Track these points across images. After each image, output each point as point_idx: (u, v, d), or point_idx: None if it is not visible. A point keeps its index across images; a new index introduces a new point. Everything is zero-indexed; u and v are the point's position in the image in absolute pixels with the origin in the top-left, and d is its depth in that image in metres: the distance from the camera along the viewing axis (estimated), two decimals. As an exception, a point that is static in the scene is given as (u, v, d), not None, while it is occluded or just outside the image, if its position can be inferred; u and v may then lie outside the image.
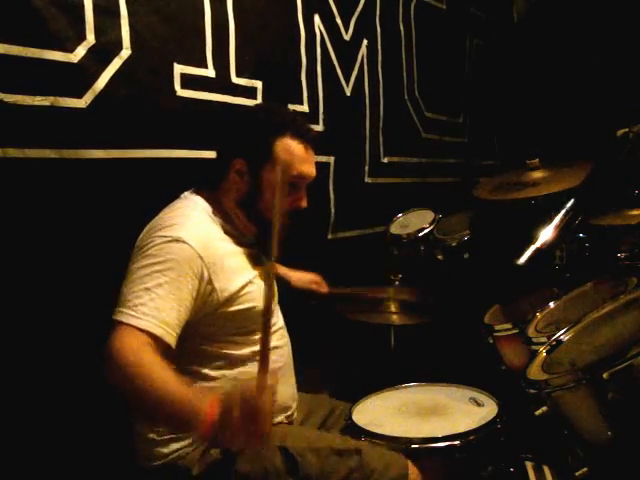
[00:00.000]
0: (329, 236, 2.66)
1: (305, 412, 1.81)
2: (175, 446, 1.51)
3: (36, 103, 1.57)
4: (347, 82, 2.75)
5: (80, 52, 1.67)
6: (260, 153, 1.62)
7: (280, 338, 1.71)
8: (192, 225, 1.51)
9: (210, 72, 2.06)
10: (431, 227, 2.63)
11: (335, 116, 2.64)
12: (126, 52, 1.78)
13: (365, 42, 2.86)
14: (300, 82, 2.49)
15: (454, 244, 2.51)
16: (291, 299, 1.94)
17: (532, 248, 1.63)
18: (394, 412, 1.82)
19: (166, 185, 1.72)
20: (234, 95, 2.12)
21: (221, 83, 2.10)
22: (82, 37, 1.68)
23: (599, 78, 3.67)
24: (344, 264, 2.62)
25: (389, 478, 1.48)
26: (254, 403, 1.13)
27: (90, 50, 1.69)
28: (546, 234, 1.65)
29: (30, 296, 1.59)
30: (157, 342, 1.33)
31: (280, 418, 1.66)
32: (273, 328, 1.68)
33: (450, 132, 3.60)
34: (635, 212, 2.32)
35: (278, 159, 1.61)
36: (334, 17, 2.66)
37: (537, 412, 1.54)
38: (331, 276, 2.22)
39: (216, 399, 1.16)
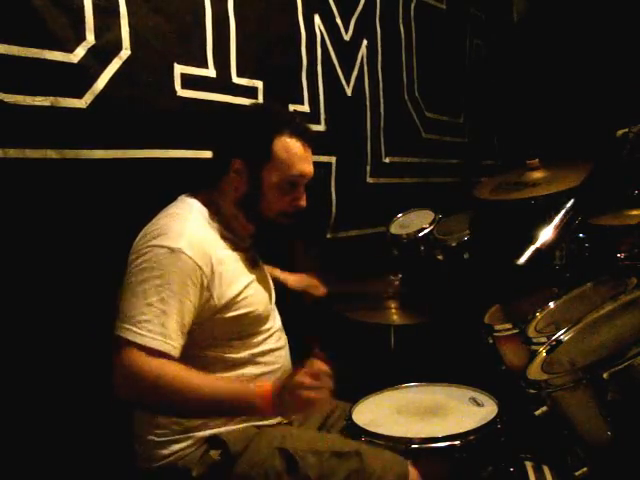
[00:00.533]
0: (328, 236, 2.66)
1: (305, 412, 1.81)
2: (175, 447, 1.51)
3: (36, 103, 1.58)
4: (347, 82, 2.75)
5: (80, 52, 1.67)
6: (259, 152, 1.62)
7: (277, 340, 1.71)
8: (189, 233, 1.50)
9: (211, 72, 2.07)
10: (431, 227, 2.63)
11: (336, 116, 2.64)
12: (126, 52, 1.78)
13: (365, 42, 2.86)
14: (301, 82, 2.49)
15: (454, 244, 2.51)
16: (289, 300, 1.94)
17: (532, 248, 1.63)
18: (394, 412, 1.82)
19: (166, 185, 1.73)
20: (235, 95, 2.12)
21: (222, 83, 2.10)
22: (82, 37, 1.68)
23: (599, 78, 3.67)
24: (343, 264, 2.62)
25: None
26: (306, 378, 1.38)
27: (90, 50, 1.69)
28: (546, 234, 1.64)
29: (30, 296, 1.59)
30: (164, 356, 1.37)
31: (279, 418, 1.66)
32: (270, 331, 1.69)
33: (450, 132, 3.60)
34: (635, 212, 2.32)
35: (277, 158, 1.61)
36: (334, 17, 2.66)
37: (537, 412, 1.54)
38: (330, 276, 2.22)
39: (264, 384, 1.42)
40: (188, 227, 1.52)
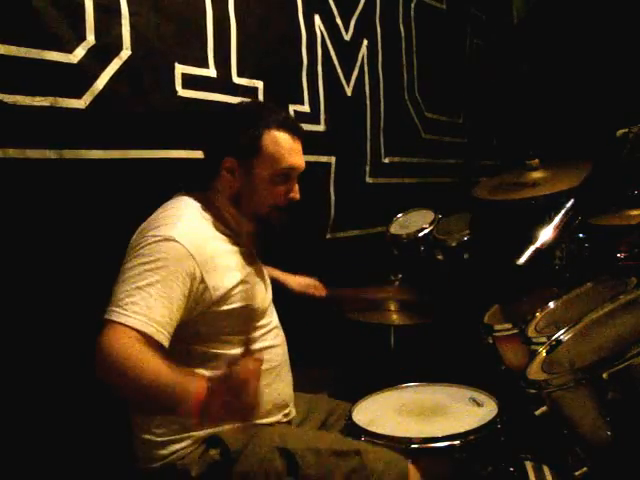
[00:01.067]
0: (327, 236, 2.66)
1: (304, 412, 1.81)
2: (174, 447, 1.51)
3: (36, 103, 1.58)
4: (348, 82, 2.75)
5: (80, 52, 1.67)
6: (248, 149, 1.63)
7: (275, 337, 1.71)
8: (184, 224, 1.51)
9: (211, 72, 2.07)
10: (431, 227, 2.63)
11: (336, 116, 2.64)
12: (126, 52, 1.78)
13: (365, 42, 2.86)
14: (301, 82, 2.49)
15: (454, 244, 2.51)
16: (289, 300, 1.94)
17: (532, 248, 1.63)
18: (394, 412, 1.82)
19: (166, 186, 1.72)
20: (235, 95, 2.12)
21: (222, 83, 2.10)
22: (82, 37, 1.68)
23: (599, 78, 3.67)
24: (343, 264, 2.62)
25: (389, 479, 1.48)
26: (239, 380, 1.20)
27: (90, 50, 1.69)
28: (546, 234, 1.64)
29: (30, 296, 1.59)
30: (148, 340, 1.34)
31: (278, 417, 1.66)
32: (268, 327, 1.69)
33: (450, 132, 3.60)
34: (635, 212, 2.32)
35: (266, 152, 1.62)
36: (334, 17, 2.66)
37: (537, 412, 1.54)
38: (330, 276, 2.22)
39: (204, 378, 1.25)
40: (183, 220, 1.52)
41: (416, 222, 2.72)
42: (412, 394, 1.95)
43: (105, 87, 1.73)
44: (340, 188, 2.69)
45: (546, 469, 1.66)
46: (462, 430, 1.62)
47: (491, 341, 2.01)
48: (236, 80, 2.16)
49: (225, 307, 1.54)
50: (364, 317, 2.27)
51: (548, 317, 1.87)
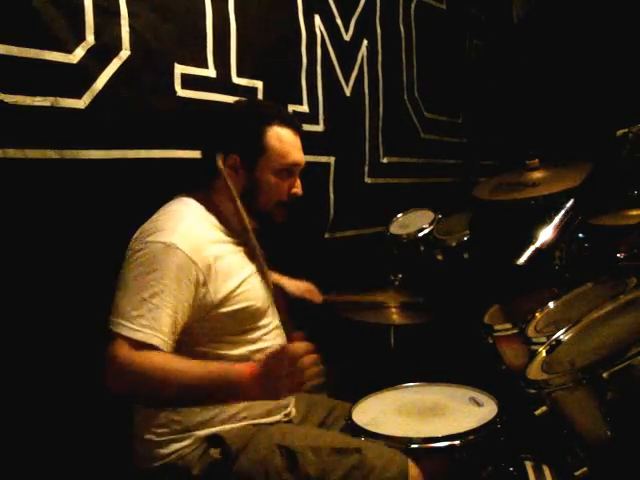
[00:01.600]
0: (326, 236, 2.66)
1: (304, 412, 1.81)
2: (175, 446, 1.51)
3: (36, 103, 1.58)
4: (347, 82, 2.75)
5: (79, 53, 1.67)
6: (253, 145, 1.64)
7: (275, 337, 1.71)
8: (184, 229, 1.51)
9: (211, 72, 2.07)
10: (431, 227, 2.63)
11: (335, 116, 2.64)
12: (125, 52, 1.78)
13: (365, 42, 2.86)
14: (300, 82, 2.49)
15: (454, 244, 2.51)
16: (289, 301, 1.95)
17: (532, 248, 1.63)
18: (394, 412, 1.82)
19: (166, 185, 1.72)
20: (235, 95, 2.12)
21: (222, 83, 2.10)
22: (82, 38, 1.68)
23: (599, 78, 3.67)
24: (342, 264, 2.62)
25: (389, 476, 1.48)
26: (287, 356, 1.31)
27: (89, 51, 1.69)
28: (546, 234, 1.64)
29: (30, 295, 1.59)
30: (156, 350, 1.38)
31: (279, 417, 1.66)
32: (269, 327, 1.69)
33: (449, 132, 3.60)
34: (635, 212, 2.32)
35: (271, 149, 1.64)
36: (334, 17, 2.66)
37: (537, 412, 1.54)
38: (328, 276, 2.22)
39: (249, 363, 1.37)
40: (183, 223, 1.52)
41: (416, 222, 2.72)
42: (412, 394, 1.95)
43: (105, 87, 1.73)
44: (339, 188, 2.69)
45: (546, 469, 1.66)
46: (462, 430, 1.62)
47: (491, 341, 2.01)
48: (235, 80, 2.16)
49: (227, 309, 1.54)
50: (364, 317, 2.27)
51: (548, 317, 1.87)
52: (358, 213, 2.82)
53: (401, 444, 1.61)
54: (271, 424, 1.63)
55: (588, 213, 2.28)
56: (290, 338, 1.43)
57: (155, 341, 1.37)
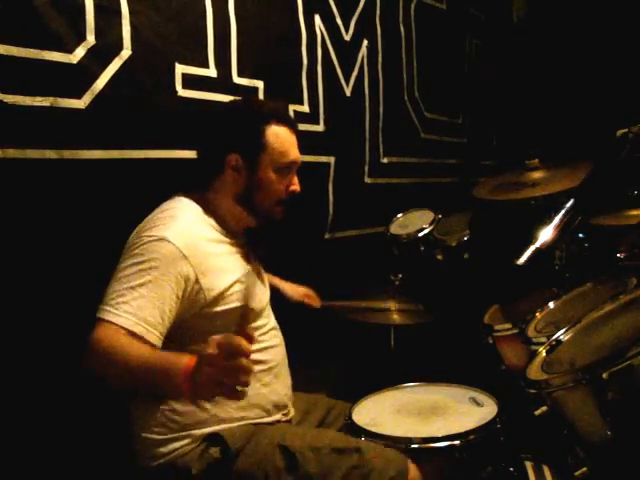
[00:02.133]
0: (326, 236, 2.66)
1: (303, 411, 1.81)
2: (174, 445, 1.51)
3: (36, 103, 1.58)
4: (347, 82, 2.75)
5: (80, 53, 1.67)
6: (253, 144, 1.65)
7: (272, 338, 1.71)
8: (179, 225, 1.52)
9: (212, 72, 2.07)
10: (431, 227, 2.63)
11: (335, 116, 2.64)
12: (126, 52, 1.78)
13: (365, 42, 2.86)
14: (300, 82, 2.49)
15: (454, 244, 2.51)
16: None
17: (532, 248, 1.63)
18: (394, 412, 1.82)
19: (166, 185, 1.72)
20: (235, 95, 2.12)
21: (223, 83, 2.10)
22: (82, 37, 1.68)
23: (599, 78, 3.67)
24: (342, 264, 2.62)
25: (389, 476, 1.48)
26: (231, 354, 1.14)
27: (90, 50, 1.69)
28: (546, 234, 1.64)
29: (30, 295, 1.59)
30: (139, 340, 1.36)
31: (278, 416, 1.66)
32: (265, 328, 1.69)
33: (449, 132, 3.60)
34: (635, 212, 2.32)
35: (271, 147, 1.64)
36: (334, 17, 2.66)
37: (537, 412, 1.54)
38: (328, 276, 2.22)
39: (193, 356, 1.22)
40: (178, 220, 1.53)
41: (416, 222, 2.72)
42: (412, 394, 1.95)
43: (105, 87, 1.72)
44: (339, 188, 2.69)
45: (546, 469, 1.66)
46: (462, 430, 1.62)
47: (491, 341, 2.01)
48: (236, 80, 2.16)
49: (220, 307, 1.54)
50: (364, 317, 2.27)
51: (548, 317, 1.87)
52: (358, 213, 2.82)
53: (401, 444, 1.61)
54: (271, 424, 1.63)
55: (588, 213, 2.28)
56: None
57: (139, 330, 1.36)
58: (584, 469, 1.48)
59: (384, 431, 1.66)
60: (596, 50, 3.69)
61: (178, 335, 1.47)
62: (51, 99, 1.61)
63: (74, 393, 1.67)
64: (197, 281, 1.49)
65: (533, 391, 1.53)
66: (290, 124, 1.72)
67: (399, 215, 2.85)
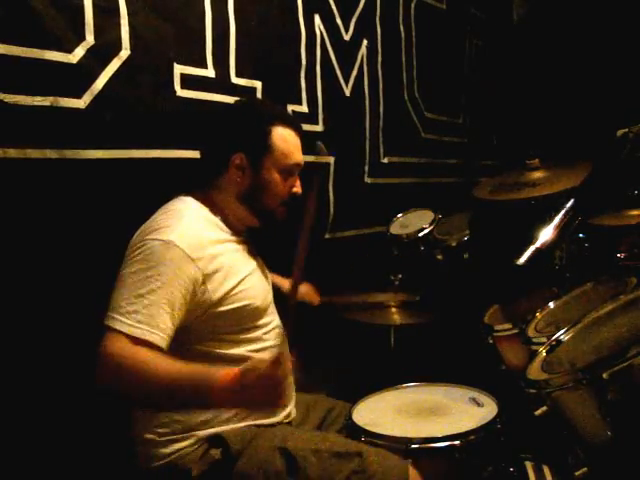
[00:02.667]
0: (327, 236, 2.66)
1: (303, 412, 1.81)
2: (175, 447, 1.51)
3: (36, 103, 1.58)
4: (346, 82, 2.75)
5: (79, 53, 1.67)
6: (259, 145, 1.65)
7: (276, 337, 1.71)
8: (183, 227, 1.51)
9: (210, 72, 2.07)
10: (431, 227, 2.63)
11: (334, 116, 2.64)
12: (125, 52, 1.78)
13: (365, 42, 2.86)
14: (299, 82, 2.49)
15: (454, 244, 2.51)
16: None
17: (532, 248, 1.63)
18: (394, 412, 1.82)
19: (166, 185, 1.72)
20: (234, 95, 2.12)
21: (221, 83, 2.10)
22: (81, 37, 1.68)
23: (599, 78, 3.66)
24: (342, 264, 2.62)
25: None
26: (270, 369, 1.24)
27: (89, 50, 1.69)
28: (546, 234, 1.64)
29: (30, 296, 1.59)
30: (150, 347, 1.36)
31: (279, 418, 1.66)
32: (269, 326, 1.69)
33: (450, 132, 3.60)
34: (635, 212, 2.32)
35: (276, 148, 1.65)
36: (334, 17, 2.66)
37: (537, 412, 1.54)
38: (329, 276, 2.22)
39: (230, 369, 1.27)
40: (183, 222, 1.52)
41: (416, 222, 2.72)
42: (412, 394, 1.95)
43: (104, 87, 1.72)
44: (339, 188, 2.69)
45: (546, 469, 1.66)
46: (462, 430, 1.62)
47: (491, 341, 2.00)
48: (235, 80, 2.16)
49: (225, 307, 1.54)
50: (364, 317, 2.27)
51: (548, 317, 1.87)
52: (359, 213, 2.82)
53: (401, 444, 1.61)
54: (272, 425, 1.63)
55: (588, 213, 2.28)
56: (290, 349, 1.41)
57: (151, 338, 1.36)
58: (584, 469, 1.48)
59: (384, 431, 1.66)
60: (596, 50, 3.69)
61: (184, 335, 1.47)
62: (51, 99, 1.61)
63: (74, 394, 1.66)
64: (204, 282, 1.48)
65: (533, 391, 1.53)
66: (296, 127, 1.72)
67: (399, 215, 2.84)
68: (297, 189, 1.73)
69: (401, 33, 3.14)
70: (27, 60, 1.56)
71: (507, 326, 1.96)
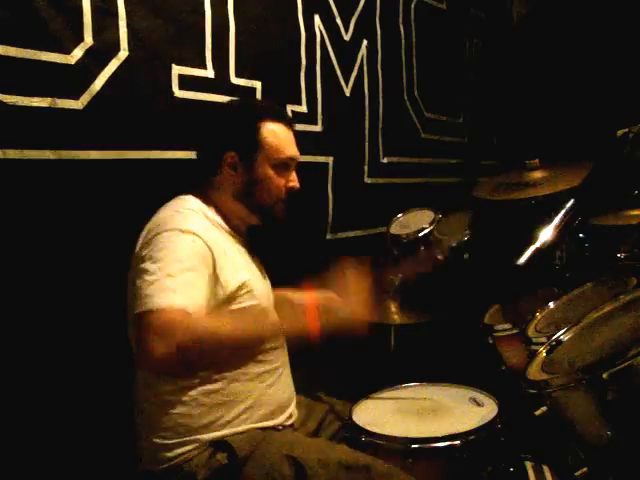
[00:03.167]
0: (328, 236, 2.66)
1: (303, 413, 1.80)
2: (181, 450, 1.49)
3: (34, 104, 1.58)
4: (346, 82, 2.74)
5: (77, 53, 1.67)
6: (249, 142, 1.66)
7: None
8: (198, 220, 1.55)
9: (209, 73, 2.06)
10: (431, 227, 2.63)
11: (334, 116, 2.64)
12: (124, 53, 1.78)
13: (365, 42, 2.85)
14: (299, 82, 2.48)
15: (454, 244, 2.50)
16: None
17: (532, 248, 1.63)
18: (394, 412, 1.82)
19: (164, 186, 1.72)
20: (233, 95, 2.11)
21: (220, 84, 2.10)
22: (80, 38, 1.68)
23: (599, 78, 3.66)
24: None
25: None
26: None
27: (87, 51, 1.69)
28: (546, 234, 1.64)
29: (29, 296, 1.59)
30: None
31: (281, 419, 1.66)
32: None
33: (450, 132, 3.59)
34: (635, 212, 2.32)
35: (267, 144, 1.65)
36: (334, 17, 2.65)
37: (537, 412, 1.54)
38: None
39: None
40: (196, 217, 1.56)
41: (416, 222, 2.71)
42: (412, 394, 1.95)
43: (103, 88, 1.72)
44: (339, 188, 2.68)
45: (546, 469, 1.66)
46: (462, 430, 1.62)
47: (491, 341, 2.00)
48: (234, 80, 2.16)
49: (235, 306, 1.55)
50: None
51: (548, 317, 1.87)
52: (359, 213, 2.82)
53: (401, 444, 1.61)
54: (277, 429, 1.62)
55: (588, 213, 2.28)
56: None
57: (193, 309, 1.35)
58: (584, 469, 1.48)
59: (384, 431, 1.66)
60: (596, 50, 3.68)
61: None
62: (49, 99, 1.61)
63: (79, 396, 1.66)
64: (216, 272, 1.50)
65: (533, 391, 1.53)
66: (286, 121, 1.73)
67: (399, 215, 2.84)
68: (294, 183, 1.73)
69: (401, 33, 3.14)
70: (25, 61, 1.56)
71: (507, 326, 1.96)
